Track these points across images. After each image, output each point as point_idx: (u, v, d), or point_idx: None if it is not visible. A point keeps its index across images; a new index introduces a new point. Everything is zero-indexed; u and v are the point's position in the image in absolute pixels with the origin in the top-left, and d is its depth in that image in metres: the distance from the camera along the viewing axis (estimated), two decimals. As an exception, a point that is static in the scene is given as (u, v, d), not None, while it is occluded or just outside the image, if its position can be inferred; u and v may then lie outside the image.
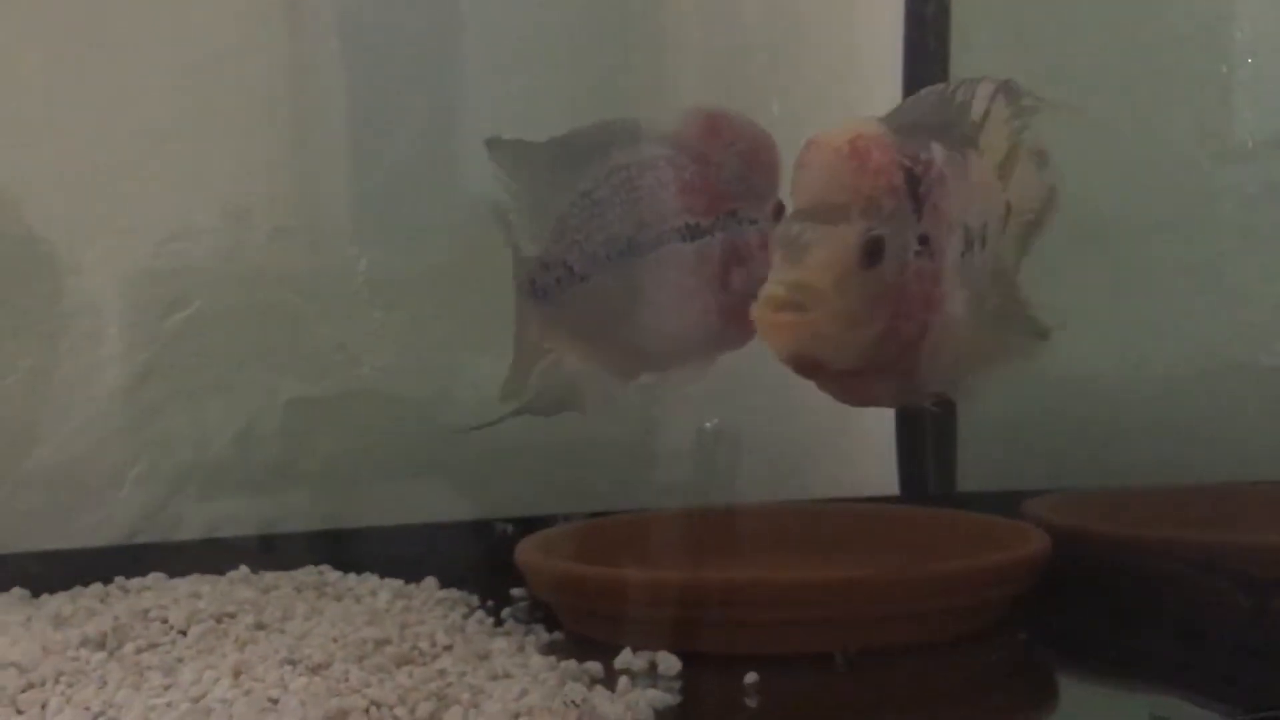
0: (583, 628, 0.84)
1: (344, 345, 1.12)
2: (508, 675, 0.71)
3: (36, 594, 0.89)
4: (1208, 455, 1.03)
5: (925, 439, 1.14)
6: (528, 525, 1.00)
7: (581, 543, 0.93)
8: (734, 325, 0.80)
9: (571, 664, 0.74)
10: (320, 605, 0.86)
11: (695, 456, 1.09)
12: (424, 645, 0.76)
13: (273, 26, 1.12)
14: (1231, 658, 0.78)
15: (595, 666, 0.74)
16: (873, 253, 0.65)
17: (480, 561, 1.03)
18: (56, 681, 0.69)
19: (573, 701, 0.66)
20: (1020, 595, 0.84)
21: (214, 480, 1.05)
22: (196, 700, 0.64)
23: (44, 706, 0.66)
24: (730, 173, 0.85)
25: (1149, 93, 1.10)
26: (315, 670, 0.68)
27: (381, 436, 1.12)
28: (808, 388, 0.75)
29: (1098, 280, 1.09)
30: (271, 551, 1.01)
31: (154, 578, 0.92)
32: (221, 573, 0.92)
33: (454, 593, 0.92)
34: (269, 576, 0.92)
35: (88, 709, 0.65)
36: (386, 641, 0.76)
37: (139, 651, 0.75)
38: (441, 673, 0.71)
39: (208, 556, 0.96)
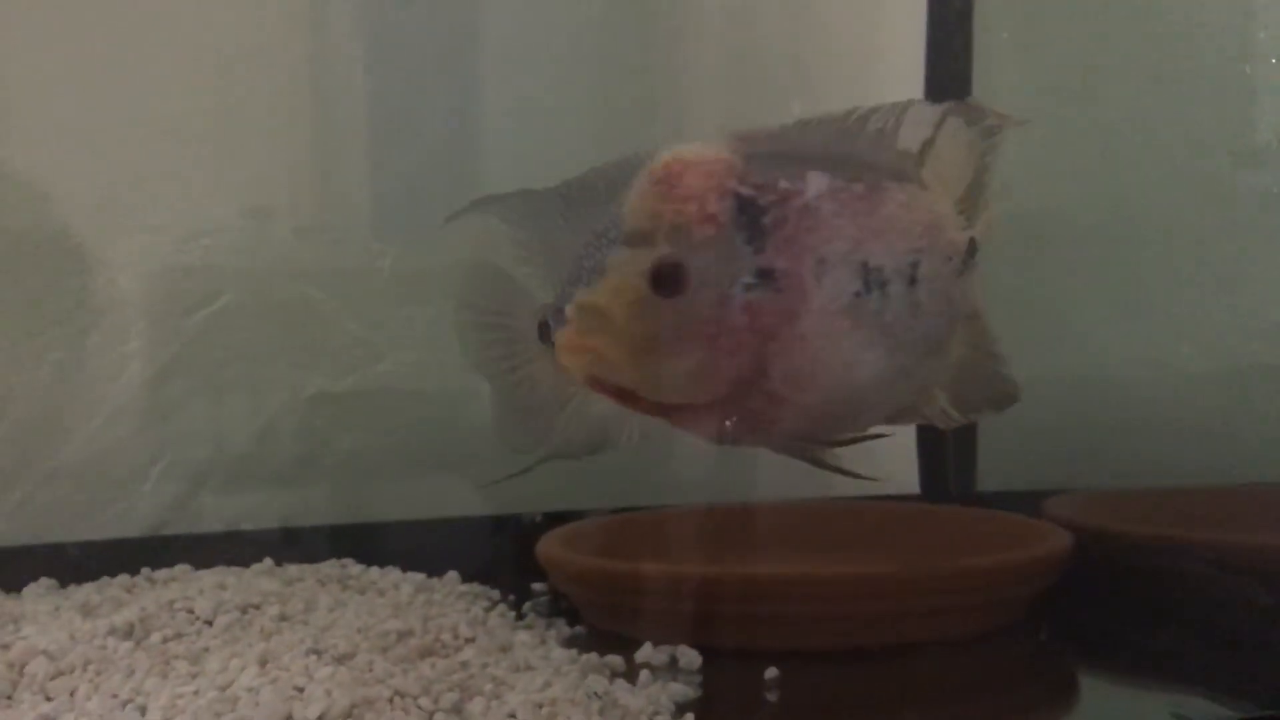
0: (604, 622, 0.85)
1: (366, 341, 1.12)
2: (530, 667, 0.71)
3: (64, 584, 0.90)
4: (1229, 456, 1.03)
5: (946, 438, 1.13)
6: (549, 521, 1.00)
7: (603, 538, 0.94)
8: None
9: (593, 657, 0.75)
10: (343, 598, 0.87)
11: (716, 454, 1.09)
12: (446, 638, 0.77)
13: (296, 28, 1.13)
14: (1252, 656, 0.78)
15: (616, 660, 0.75)
16: (666, 280, 0.61)
17: (502, 556, 1.04)
18: (85, 669, 0.70)
19: (595, 693, 0.66)
20: (1041, 593, 0.85)
21: (238, 474, 1.06)
22: (223, 689, 0.65)
23: (73, 694, 0.67)
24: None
25: (1170, 93, 1.10)
26: (340, 660, 0.68)
27: (403, 432, 1.12)
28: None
29: (1118, 281, 1.09)
30: (294, 545, 1.02)
31: (179, 569, 0.93)
32: (246, 565, 0.93)
33: (475, 587, 0.93)
34: (292, 569, 0.93)
35: (115, 696, 0.66)
36: (410, 633, 0.76)
37: (165, 641, 0.76)
38: (464, 664, 0.72)
39: (231, 549, 0.97)
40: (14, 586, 0.88)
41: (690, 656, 0.76)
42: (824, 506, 1.07)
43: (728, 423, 0.65)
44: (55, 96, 1.05)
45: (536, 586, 0.94)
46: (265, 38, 1.11)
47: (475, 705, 0.65)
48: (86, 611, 0.81)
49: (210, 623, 0.79)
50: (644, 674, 0.73)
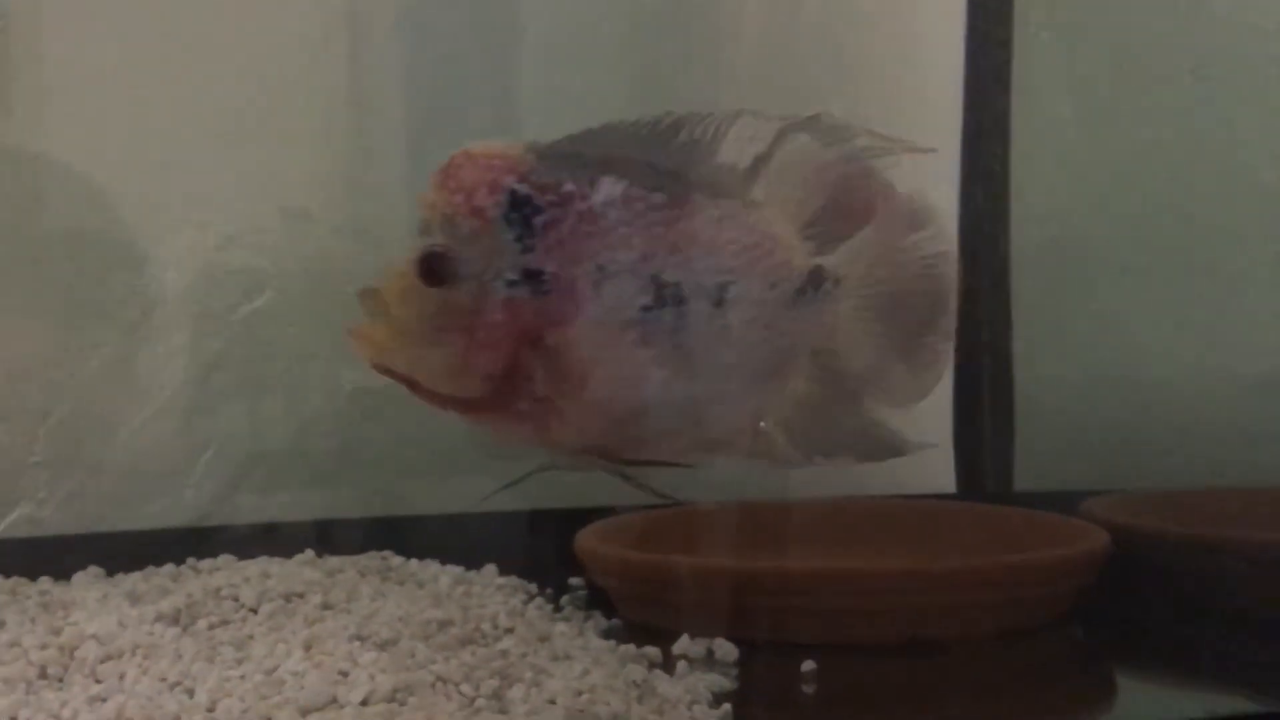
0: (641, 614, 0.85)
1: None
2: (569, 656, 0.72)
3: (111, 573, 0.92)
4: (1272, 458, 1.03)
5: (983, 438, 1.14)
6: (582, 516, 1.01)
7: (639, 532, 0.94)
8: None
9: (630, 648, 0.75)
10: (384, 588, 0.88)
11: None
12: (486, 627, 0.78)
13: (336, 28, 1.15)
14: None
15: (654, 651, 0.76)
16: (429, 270, 0.60)
17: (538, 550, 1.05)
18: (133, 654, 0.71)
19: (633, 682, 0.67)
20: (1079, 591, 0.85)
21: (280, 468, 1.08)
22: (269, 672, 0.66)
23: (122, 677, 0.69)
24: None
25: (1218, 91, 1.09)
26: (383, 646, 0.69)
27: (439, 426, 1.13)
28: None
29: (1161, 281, 1.09)
30: (335, 537, 1.03)
31: (223, 559, 0.94)
32: (288, 556, 0.95)
33: (513, 579, 0.94)
34: (333, 560, 0.94)
35: (164, 680, 0.67)
36: (450, 623, 0.77)
37: (211, 628, 0.77)
38: (504, 653, 0.73)
39: (274, 540, 0.98)
40: (63, 574, 0.90)
41: (727, 649, 0.77)
42: (859, 504, 1.07)
43: (506, 423, 0.63)
44: (103, 96, 1.08)
45: (573, 580, 0.95)
46: (307, 38, 1.13)
47: (515, 692, 0.66)
48: (134, 599, 0.83)
49: (255, 610, 0.80)
50: (681, 665, 0.74)
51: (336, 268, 1.13)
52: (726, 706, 0.67)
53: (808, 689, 0.73)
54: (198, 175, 1.10)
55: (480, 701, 0.64)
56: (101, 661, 0.71)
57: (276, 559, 0.94)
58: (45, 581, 0.89)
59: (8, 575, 0.90)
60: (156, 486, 1.05)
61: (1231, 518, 0.94)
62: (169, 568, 0.92)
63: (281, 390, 1.11)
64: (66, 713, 0.63)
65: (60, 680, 0.69)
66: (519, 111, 1.21)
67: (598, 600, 0.90)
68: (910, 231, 0.65)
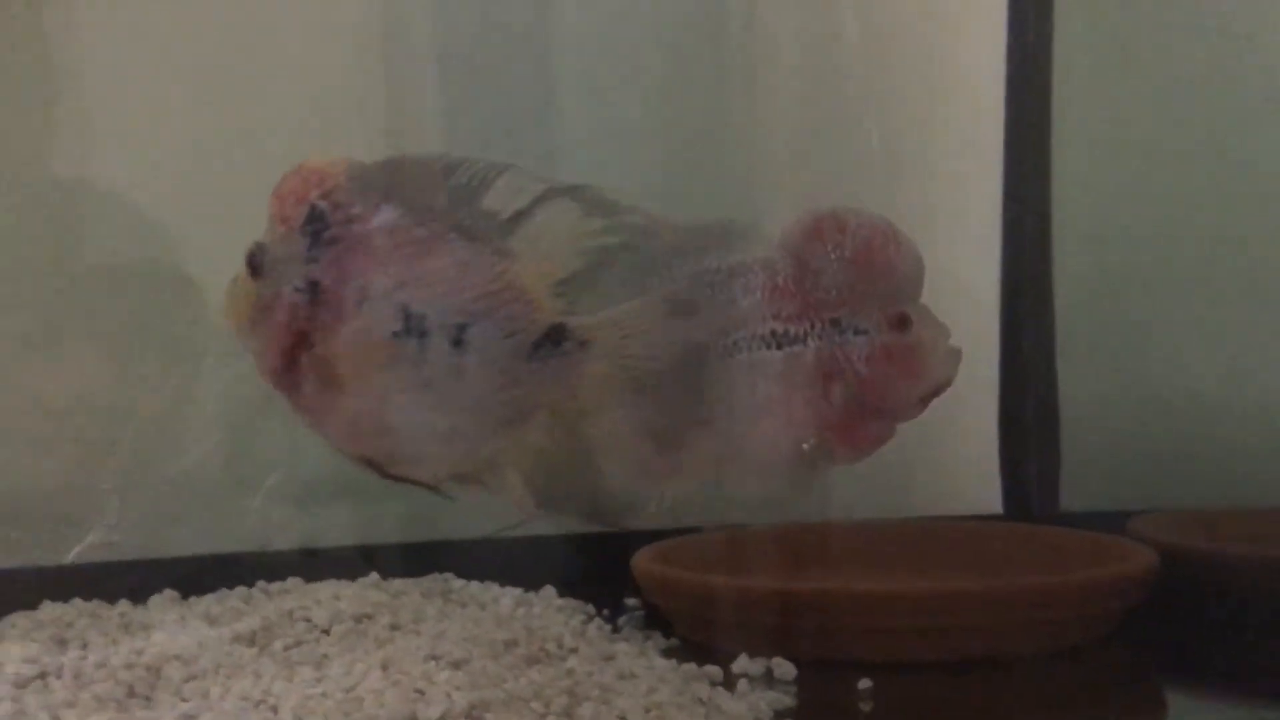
0: (698, 634, 0.88)
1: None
2: (634, 675, 0.75)
3: (185, 595, 0.95)
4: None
5: (1029, 458, 1.15)
6: (631, 539, 1.03)
7: (693, 554, 0.97)
8: (838, 439, 0.78)
9: (691, 667, 0.78)
10: (447, 610, 0.91)
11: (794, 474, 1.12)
12: (551, 647, 0.81)
13: (379, 64, 1.18)
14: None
15: (714, 670, 0.78)
16: (251, 263, 0.68)
17: (593, 572, 1.07)
18: (216, 673, 0.75)
19: (699, 699, 0.69)
20: (1127, 610, 0.86)
21: (342, 491, 1.10)
22: (348, 690, 0.69)
23: (206, 695, 0.72)
24: (831, 279, 0.78)
25: (1256, 113, 1.10)
26: (456, 665, 0.72)
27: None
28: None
29: (1205, 298, 1.10)
30: (390, 559, 1.06)
31: (292, 582, 0.97)
32: (353, 579, 0.98)
33: (571, 601, 0.96)
34: (397, 583, 0.97)
35: (246, 698, 0.70)
36: (515, 643, 0.80)
37: (286, 648, 0.80)
38: (570, 672, 0.75)
39: (338, 563, 1.01)
40: (139, 597, 0.93)
41: (785, 668, 0.79)
42: (909, 526, 1.09)
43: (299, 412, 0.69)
44: (172, 135, 1.11)
45: (629, 601, 0.97)
46: (353, 71, 1.16)
47: (585, 709, 0.68)
48: (211, 620, 0.86)
49: (327, 631, 0.83)
50: (742, 683, 0.76)
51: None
52: (788, 723, 0.69)
53: (865, 706, 0.75)
54: (256, 204, 1.13)
55: (551, 718, 0.67)
56: (185, 681, 0.74)
57: (342, 582, 0.97)
58: (124, 604, 0.92)
59: (87, 598, 0.93)
60: (224, 509, 1.08)
61: (1275, 536, 0.95)
62: (240, 590, 0.95)
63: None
64: (146, 728, 0.66)
65: (148, 699, 0.72)
66: (555, 141, 1.23)
67: (654, 620, 0.93)
68: (674, 318, 0.69)
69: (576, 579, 1.02)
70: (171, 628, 0.84)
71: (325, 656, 0.78)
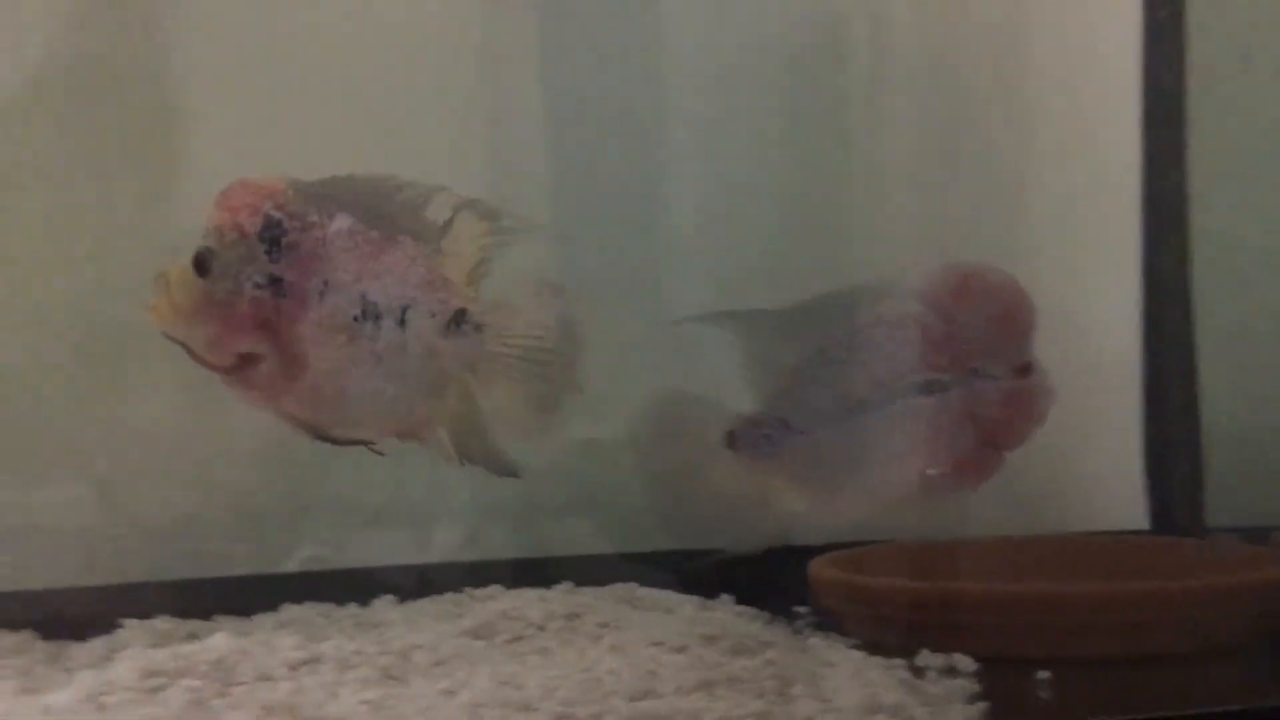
0: (874, 635, 0.95)
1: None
2: (833, 664, 0.82)
3: (401, 600, 1.05)
4: None
5: (1174, 472, 1.20)
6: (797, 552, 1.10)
7: (858, 563, 1.04)
8: (966, 472, 0.92)
9: (879, 659, 0.85)
10: (642, 612, 0.99)
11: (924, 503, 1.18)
12: (749, 642, 0.88)
13: (488, 100, 1.25)
14: None
15: (900, 662, 0.85)
16: (200, 264, 0.79)
17: (762, 582, 1.14)
18: (458, 659, 0.84)
19: (900, 680, 0.77)
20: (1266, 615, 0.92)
21: (527, 509, 1.19)
22: (585, 671, 0.78)
23: (451, 677, 0.81)
24: (976, 332, 0.91)
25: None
26: (678, 650, 0.80)
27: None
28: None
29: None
30: (581, 571, 1.14)
31: (493, 589, 1.06)
32: (548, 586, 1.06)
33: (747, 608, 1.04)
34: (588, 591, 1.06)
35: (492, 679, 0.79)
36: (716, 637, 0.88)
37: (509, 642, 0.89)
38: (771, 661, 0.83)
39: (529, 573, 1.10)
40: (363, 601, 1.03)
41: (965, 662, 0.85)
42: (1058, 540, 1.16)
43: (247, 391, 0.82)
44: (254, 147, 1.14)
45: (799, 609, 1.05)
46: (453, 107, 1.22)
47: (798, 689, 0.76)
48: (436, 618, 0.95)
49: (543, 628, 0.92)
50: (930, 673, 0.83)
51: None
52: (983, 704, 0.76)
53: (1043, 694, 0.82)
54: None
55: (770, 696, 0.75)
56: (433, 666, 0.83)
57: (538, 589, 1.06)
58: (352, 606, 1.02)
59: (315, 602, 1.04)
60: (420, 528, 1.18)
61: None
62: (449, 595, 1.05)
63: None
64: (425, 702, 0.75)
65: (404, 680, 0.81)
66: (671, 184, 1.29)
67: (827, 625, 1.00)
68: (539, 308, 0.85)
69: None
70: (402, 625, 0.94)
71: (548, 649, 0.87)
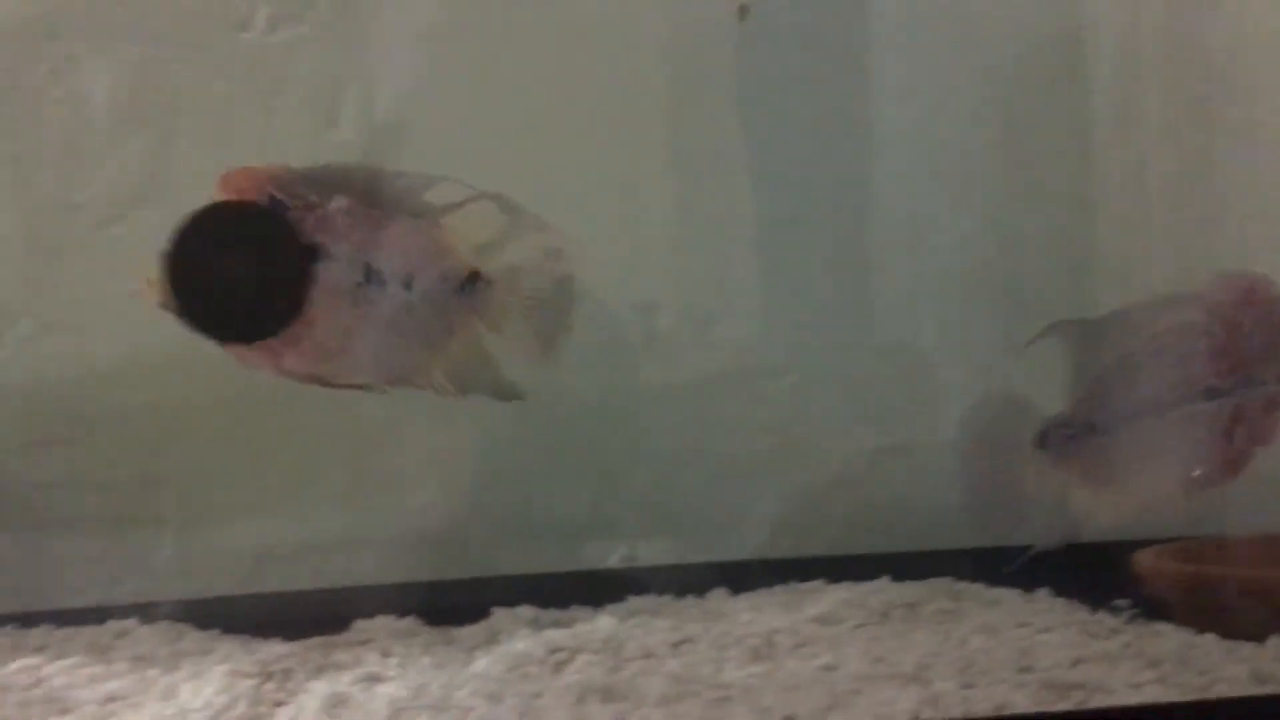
0: (1204, 625, 0.96)
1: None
2: (1195, 645, 0.85)
3: (735, 592, 1.10)
4: None
5: None
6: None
7: (1181, 554, 1.06)
8: (1227, 470, 0.99)
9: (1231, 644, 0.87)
10: (969, 603, 1.03)
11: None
12: (1095, 628, 0.92)
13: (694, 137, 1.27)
14: None
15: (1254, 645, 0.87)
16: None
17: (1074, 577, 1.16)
18: (818, 642, 0.89)
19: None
20: None
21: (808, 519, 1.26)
22: (959, 646, 0.82)
23: (820, 657, 0.86)
24: (1257, 340, 0.98)
25: None
26: (1046, 630, 0.84)
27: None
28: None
29: None
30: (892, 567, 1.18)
31: (816, 584, 1.10)
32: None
33: (1065, 601, 1.06)
34: (911, 584, 1.09)
35: (865, 657, 0.84)
36: (1066, 623, 0.91)
37: (855, 628, 0.94)
38: (1128, 645, 0.86)
39: (835, 569, 1.15)
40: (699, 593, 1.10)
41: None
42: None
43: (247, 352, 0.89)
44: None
45: (1118, 602, 1.07)
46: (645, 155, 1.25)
47: (1167, 668, 0.79)
48: (777, 608, 1.01)
49: (885, 615, 0.97)
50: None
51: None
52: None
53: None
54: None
55: (1149, 672, 0.78)
56: (795, 647, 0.88)
57: (862, 583, 1.10)
58: (690, 598, 1.09)
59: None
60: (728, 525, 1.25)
61: None
62: (778, 588, 1.10)
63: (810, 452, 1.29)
64: (809, 676, 0.81)
65: (774, 659, 0.86)
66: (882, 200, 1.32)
67: (1152, 616, 1.02)
68: (540, 265, 0.93)
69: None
70: (749, 613, 1.00)
71: (900, 633, 0.92)
